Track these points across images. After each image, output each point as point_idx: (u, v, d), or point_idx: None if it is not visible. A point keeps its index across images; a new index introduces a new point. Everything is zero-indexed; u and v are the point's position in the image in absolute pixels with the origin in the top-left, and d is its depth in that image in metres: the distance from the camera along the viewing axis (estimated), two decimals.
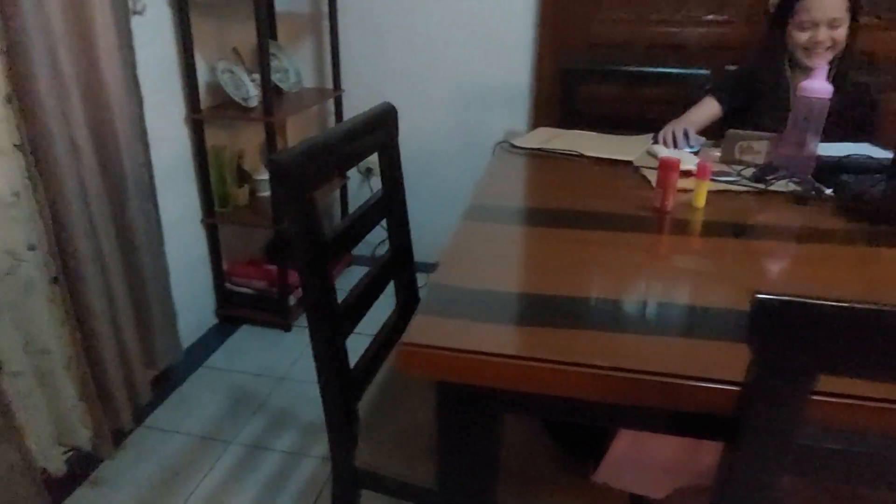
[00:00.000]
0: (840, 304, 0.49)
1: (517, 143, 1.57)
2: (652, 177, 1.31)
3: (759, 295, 0.51)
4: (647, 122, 1.80)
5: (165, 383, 1.93)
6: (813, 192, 1.19)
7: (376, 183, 2.60)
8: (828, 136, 1.42)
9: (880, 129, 1.78)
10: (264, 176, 2.32)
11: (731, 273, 0.92)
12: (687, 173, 1.24)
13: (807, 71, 1.67)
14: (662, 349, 0.70)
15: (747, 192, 1.25)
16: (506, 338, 0.72)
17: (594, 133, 1.68)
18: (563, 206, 1.17)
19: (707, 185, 1.14)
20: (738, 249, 1.02)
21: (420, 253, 2.67)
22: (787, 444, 0.56)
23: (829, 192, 1.19)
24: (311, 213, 0.92)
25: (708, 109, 1.72)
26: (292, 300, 2.30)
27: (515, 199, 1.22)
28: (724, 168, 1.34)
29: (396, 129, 1.27)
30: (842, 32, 1.57)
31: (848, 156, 1.27)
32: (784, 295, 0.50)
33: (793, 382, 0.53)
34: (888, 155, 1.43)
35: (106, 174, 1.58)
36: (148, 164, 1.73)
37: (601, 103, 2.27)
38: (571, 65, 1.96)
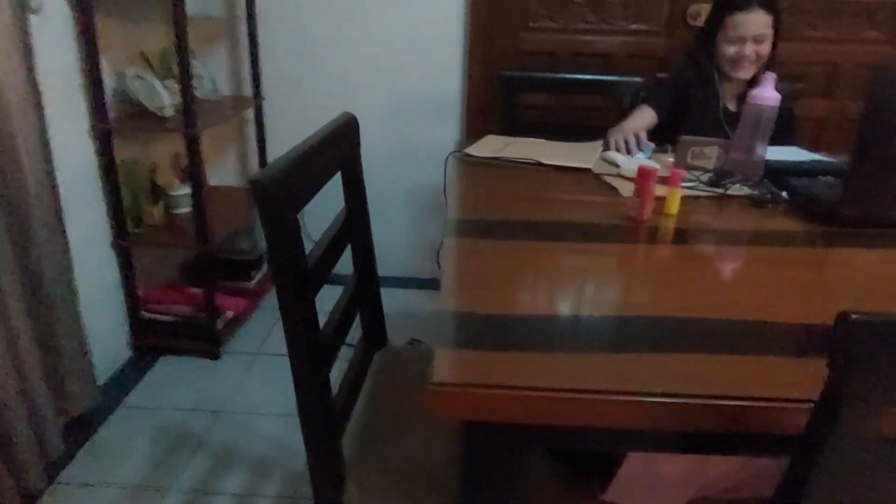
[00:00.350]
0: None
1: (471, 151, 1.52)
2: (616, 184, 1.32)
3: (845, 313, 0.49)
4: (584, 129, 1.82)
5: (80, 430, 1.71)
6: (769, 196, 1.23)
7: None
8: None
9: (797, 134, 1.92)
10: (180, 191, 2.12)
11: (737, 282, 0.93)
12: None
13: (733, 81, 1.76)
14: (711, 368, 0.68)
15: (707, 196, 1.28)
16: (541, 368, 0.67)
17: (543, 140, 1.67)
18: (546, 218, 1.14)
19: (679, 193, 1.15)
20: (722, 256, 1.03)
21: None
22: (864, 457, 0.55)
23: (783, 195, 1.24)
24: (295, 236, 0.83)
25: (645, 117, 1.76)
26: (220, 324, 2.12)
27: (497, 212, 1.17)
28: (683, 173, 1.36)
29: (358, 142, 1.18)
30: (766, 47, 1.66)
31: (800, 162, 1.34)
32: (866, 312, 0.49)
33: (873, 401, 0.51)
34: (815, 156, 1.53)
35: (4, 194, 1.37)
36: (52, 182, 1.52)
37: (538, 111, 2.28)
38: (510, 72, 1.94)
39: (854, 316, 0.48)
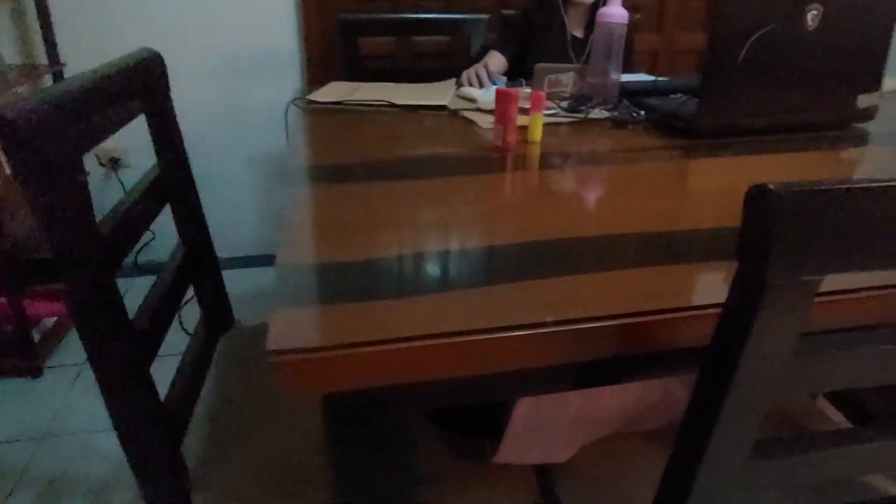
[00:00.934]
0: (844, 185, 0.41)
1: (315, 97, 1.34)
2: (475, 118, 1.21)
3: (761, 187, 0.41)
4: (433, 74, 1.70)
5: None
6: (631, 116, 1.19)
7: (128, 176, 2.13)
8: None
9: (633, 64, 1.94)
10: None
11: (609, 199, 0.85)
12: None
13: (577, 6, 1.72)
14: (599, 288, 0.59)
15: (569, 122, 1.21)
16: (408, 315, 0.54)
17: (392, 84, 1.52)
18: (401, 156, 1.01)
19: (541, 118, 1.07)
20: (591, 176, 0.96)
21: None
22: (789, 356, 0.48)
23: (642, 113, 1.21)
24: (80, 192, 0.62)
25: (494, 61, 1.69)
26: (37, 336, 1.78)
27: (348, 156, 1.01)
28: (543, 96, 1.29)
29: (167, 83, 0.97)
30: None
31: (652, 81, 1.32)
32: (783, 184, 0.41)
33: (798, 284, 0.44)
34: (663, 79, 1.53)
35: None
36: None
37: (383, 60, 2.13)
38: (349, 15, 1.76)
39: (772, 187, 0.40)
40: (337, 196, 0.83)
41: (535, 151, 1.05)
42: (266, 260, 2.37)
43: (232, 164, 2.26)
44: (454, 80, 1.53)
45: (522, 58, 1.76)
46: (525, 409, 0.81)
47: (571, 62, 1.67)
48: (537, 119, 1.07)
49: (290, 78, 2.19)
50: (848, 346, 0.50)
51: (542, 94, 1.06)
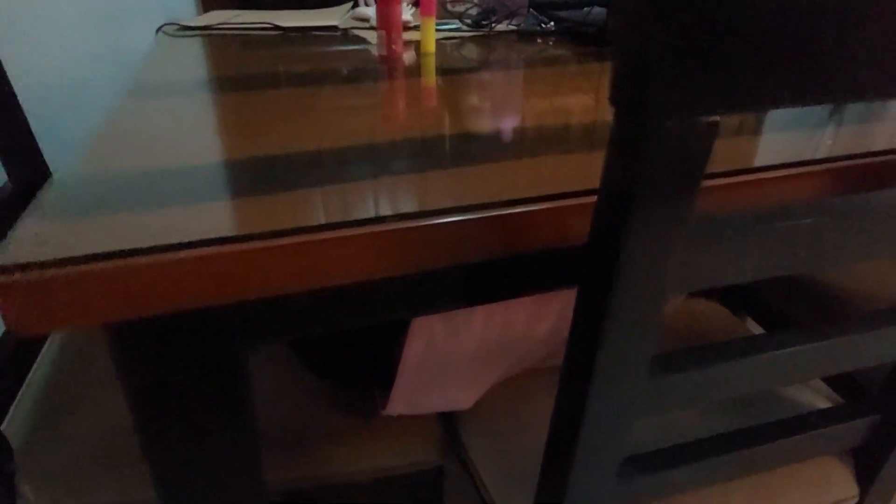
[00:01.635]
0: None
1: (189, 22, 1.17)
2: (367, 36, 1.07)
3: None
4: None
5: None
6: (539, 27, 1.07)
7: None
8: None
9: None
10: None
11: (503, 99, 0.73)
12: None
13: None
14: (477, 180, 0.47)
15: (471, 38, 1.09)
16: (213, 218, 0.41)
17: (284, 11, 1.36)
18: (270, 70, 0.86)
19: (434, 24, 0.94)
20: (485, 82, 0.84)
21: None
22: (679, 244, 0.37)
23: (551, 24, 1.09)
24: None
25: None
26: None
27: (196, 73, 0.86)
28: (441, 11, 1.16)
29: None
30: None
31: None
32: None
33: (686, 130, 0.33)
34: None
35: None
36: None
37: None
38: None
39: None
40: (179, 107, 0.68)
41: (427, 63, 0.92)
42: None
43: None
44: (351, 3, 1.37)
45: None
46: (414, 352, 0.70)
47: None
48: (429, 26, 0.94)
49: (181, 8, 1.98)
50: (753, 227, 0.41)
51: None
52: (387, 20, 0.87)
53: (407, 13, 1.09)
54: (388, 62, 0.89)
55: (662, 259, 0.38)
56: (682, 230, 0.37)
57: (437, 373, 0.72)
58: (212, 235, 0.38)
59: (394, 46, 0.88)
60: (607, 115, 0.66)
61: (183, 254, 0.37)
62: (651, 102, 0.31)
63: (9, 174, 0.84)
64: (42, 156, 0.89)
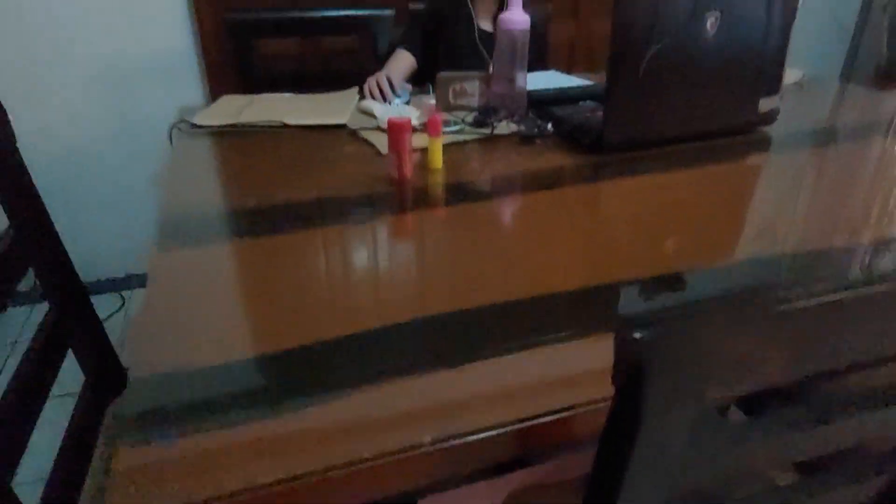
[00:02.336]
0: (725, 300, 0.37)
1: (198, 120, 1.23)
2: (375, 139, 1.13)
3: (623, 333, 0.36)
4: (339, 76, 1.60)
5: None
6: (536, 130, 1.14)
7: None
8: None
9: (549, 58, 1.90)
10: None
11: (514, 249, 0.80)
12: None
13: (485, 3, 1.65)
14: (488, 382, 0.54)
15: (474, 140, 1.15)
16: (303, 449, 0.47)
17: (290, 95, 1.42)
18: (285, 198, 0.92)
19: (440, 143, 1.00)
20: (490, 215, 0.90)
21: (94, 271, 2.14)
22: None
23: (549, 127, 1.16)
24: None
25: (402, 62, 1.61)
26: None
27: (217, 201, 0.92)
28: (445, 116, 1.22)
29: (11, 133, 0.84)
30: None
31: (560, 89, 1.27)
32: (650, 322, 0.36)
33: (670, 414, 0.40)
34: (572, 79, 1.49)
35: None
36: None
37: (282, 60, 1.99)
38: (239, 15, 1.63)
39: (637, 336, 0.35)
40: (212, 261, 0.74)
41: (437, 181, 0.99)
42: None
43: (124, 179, 2.09)
44: (357, 88, 1.43)
45: (432, 53, 1.68)
46: None
47: (481, 57, 1.61)
48: (437, 144, 1.00)
49: (189, 81, 2.03)
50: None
51: (439, 118, 0.99)
52: (397, 146, 0.93)
53: (413, 117, 1.15)
54: (400, 185, 0.95)
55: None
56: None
57: None
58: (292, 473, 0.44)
59: (404, 171, 0.94)
60: (609, 272, 0.73)
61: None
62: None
63: (48, 298, 0.89)
64: (73, 269, 0.94)
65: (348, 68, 1.91)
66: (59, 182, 2.00)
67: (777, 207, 0.92)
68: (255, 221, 0.85)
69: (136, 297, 2.17)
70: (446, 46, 1.66)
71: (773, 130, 1.21)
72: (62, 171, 2.00)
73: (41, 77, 1.89)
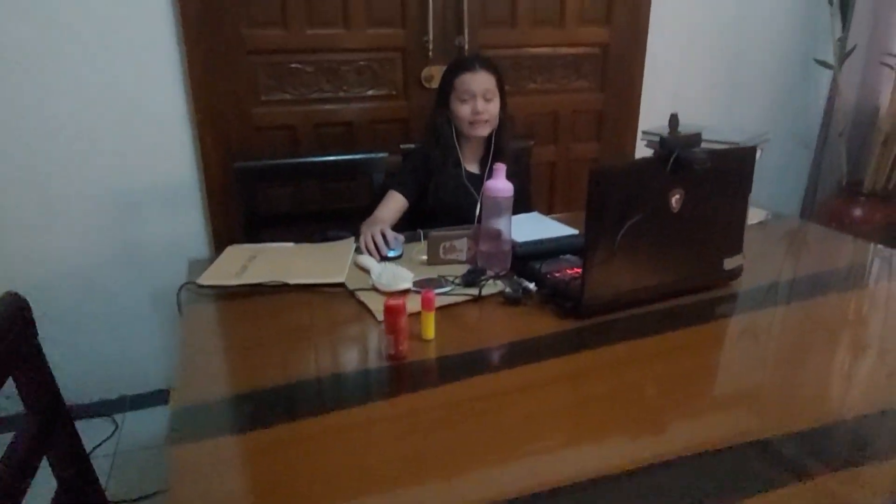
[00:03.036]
0: None
1: (204, 281, 1.31)
2: (371, 302, 1.21)
3: None
4: (337, 214, 1.71)
5: None
6: (520, 292, 1.23)
7: None
8: None
9: (531, 184, 2.03)
10: None
11: (503, 435, 0.87)
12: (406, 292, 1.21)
13: (472, 142, 1.78)
14: None
15: (464, 301, 1.24)
16: None
17: (292, 245, 1.51)
18: (285, 380, 0.99)
19: (433, 316, 1.09)
20: (482, 394, 0.97)
21: (87, 393, 2.16)
22: None
23: (532, 287, 1.25)
24: None
25: (394, 204, 1.73)
26: None
27: (223, 385, 0.99)
28: (440, 276, 1.31)
29: (34, 330, 0.91)
30: (495, 105, 1.73)
31: (541, 241, 1.38)
32: None
33: None
34: (553, 224, 1.59)
35: None
36: None
37: (284, 200, 2.11)
38: (245, 163, 1.75)
39: None
40: (224, 458, 0.80)
41: (430, 353, 1.07)
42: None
43: (124, 302, 2.15)
44: (353, 239, 1.53)
45: (423, 193, 1.79)
46: None
47: (470, 196, 1.73)
48: (430, 318, 1.08)
49: (192, 212, 2.14)
50: None
51: (433, 295, 1.08)
52: (393, 327, 1.01)
53: (406, 281, 1.24)
54: (396, 361, 1.02)
55: None
56: None
57: None
58: None
59: (400, 348, 1.02)
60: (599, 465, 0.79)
61: None
62: None
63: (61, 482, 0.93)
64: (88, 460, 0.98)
65: (346, 205, 2.03)
66: (57, 302, 2.06)
67: (745, 373, 1.00)
68: (261, 409, 0.91)
69: (128, 420, 2.18)
70: (436, 186, 1.78)
71: (739, 285, 1.31)
72: (61, 292, 2.06)
73: (50, 200, 1.98)
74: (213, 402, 0.93)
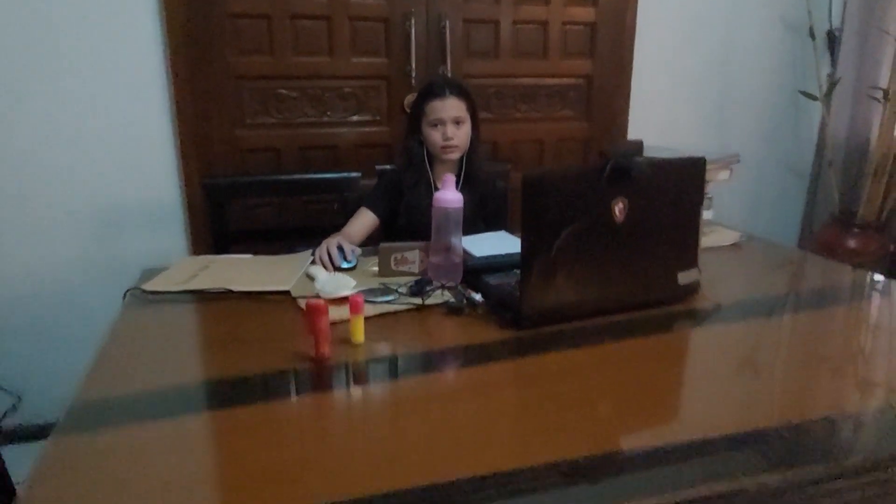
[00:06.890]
0: None
1: (149, 287, 1.30)
2: None
3: None
4: (311, 230, 1.70)
5: None
6: (464, 302, 1.20)
7: None
8: (471, 229, 1.52)
9: (510, 210, 2.01)
10: None
11: (427, 436, 0.83)
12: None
13: (445, 164, 1.78)
14: None
15: (405, 310, 1.21)
16: None
17: (250, 256, 1.51)
18: (208, 376, 0.97)
19: (362, 320, 1.06)
20: (402, 398, 0.94)
21: (55, 411, 2.14)
22: None
23: (478, 297, 1.22)
24: None
25: (364, 220, 1.73)
26: None
27: (140, 381, 0.97)
28: (384, 285, 1.29)
29: None
30: (466, 129, 1.73)
31: (495, 257, 1.35)
32: None
33: None
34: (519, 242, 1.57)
35: None
36: None
37: (257, 218, 2.13)
38: (215, 179, 1.77)
39: None
40: (108, 449, 0.77)
41: (357, 357, 1.04)
42: None
43: (109, 318, 2.16)
44: (310, 252, 1.52)
45: (395, 213, 1.79)
46: None
47: None
48: (358, 321, 1.06)
49: (173, 232, 2.16)
50: None
51: (360, 299, 1.06)
52: (314, 327, 0.98)
53: (348, 287, 1.22)
54: (318, 362, 1.00)
55: None
56: None
57: None
58: None
59: (321, 350, 0.99)
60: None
61: None
62: None
63: None
64: None
65: (320, 222, 2.03)
66: (37, 316, 2.06)
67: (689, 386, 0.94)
68: (176, 401, 0.89)
69: None
70: (407, 207, 1.77)
71: (696, 302, 1.25)
72: (40, 306, 2.07)
73: (33, 214, 2.01)
74: (112, 398, 0.91)
